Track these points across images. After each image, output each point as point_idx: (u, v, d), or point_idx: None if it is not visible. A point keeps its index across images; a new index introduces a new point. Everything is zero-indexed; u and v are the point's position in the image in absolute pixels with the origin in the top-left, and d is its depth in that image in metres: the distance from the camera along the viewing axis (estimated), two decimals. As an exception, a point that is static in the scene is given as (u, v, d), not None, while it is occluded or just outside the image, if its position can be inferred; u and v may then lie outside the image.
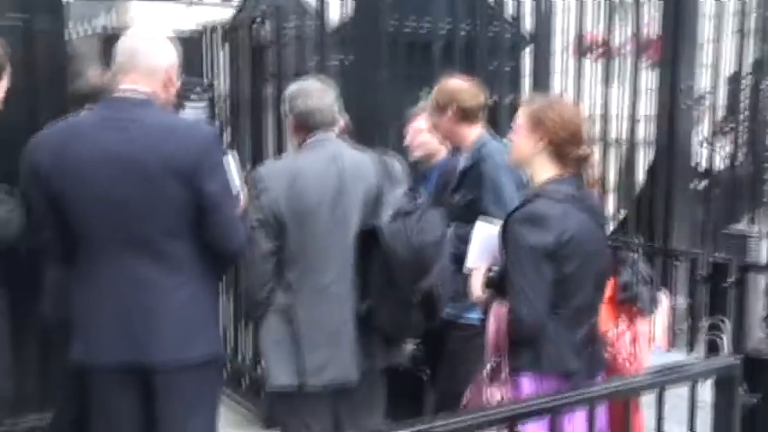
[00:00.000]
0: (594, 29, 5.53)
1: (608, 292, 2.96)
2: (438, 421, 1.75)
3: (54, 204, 2.63)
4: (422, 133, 3.84)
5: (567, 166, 2.67)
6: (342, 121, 3.53)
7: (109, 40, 5.25)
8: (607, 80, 5.39)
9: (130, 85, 2.66)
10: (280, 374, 2.99)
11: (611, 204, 5.62)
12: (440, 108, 3.46)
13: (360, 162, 3.03)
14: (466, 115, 3.43)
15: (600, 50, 5.62)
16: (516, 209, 2.64)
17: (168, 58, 2.75)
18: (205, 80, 4.92)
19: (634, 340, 3.01)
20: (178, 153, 2.58)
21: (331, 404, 3.04)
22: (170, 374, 2.66)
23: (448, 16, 4.72)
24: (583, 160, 2.66)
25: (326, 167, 2.97)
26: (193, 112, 4.01)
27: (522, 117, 2.73)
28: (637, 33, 5.55)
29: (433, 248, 2.87)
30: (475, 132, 3.46)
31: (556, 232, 2.54)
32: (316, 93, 3.07)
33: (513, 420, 1.89)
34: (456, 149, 3.63)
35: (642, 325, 3.06)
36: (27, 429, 3.65)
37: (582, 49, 5.55)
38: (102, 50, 5.41)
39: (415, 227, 2.84)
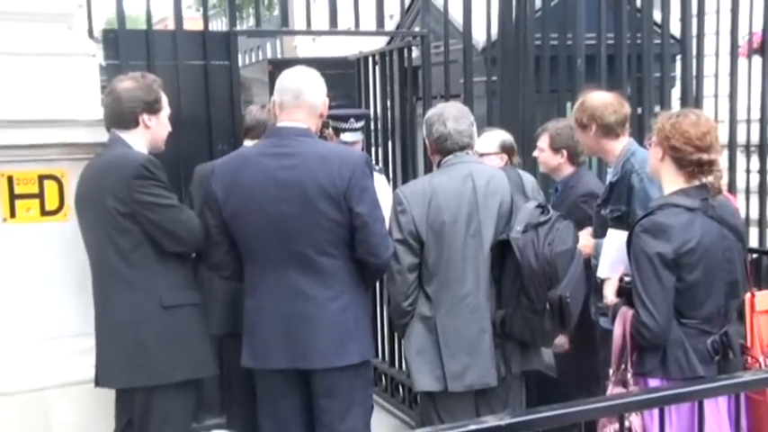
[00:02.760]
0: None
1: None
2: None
3: (227, 228, 3.00)
4: (542, 153, 4.00)
5: (692, 177, 2.74)
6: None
7: (277, 67, 5.73)
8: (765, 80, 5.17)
9: (292, 121, 3.00)
10: (423, 380, 3.21)
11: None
12: (582, 126, 3.48)
13: (493, 178, 3.21)
14: (608, 131, 3.43)
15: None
16: (641, 218, 2.73)
17: (323, 94, 3.08)
18: (362, 107, 5.27)
19: None
20: (331, 179, 2.89)
21: (473, 404, 3.22)
22: (327, 376, 2.98)
23: (592, 27, 4.75)
24: (705, 166, 2.71)
25: (461, 186, 3.16)
26: (351, 135, 4.31)
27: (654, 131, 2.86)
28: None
29: (563, 259, 2.99)
30: (620, 145, 3.46)
31: (677, 242, 2.61)
32: (451, 118, 3.25)
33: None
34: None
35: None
36: (209, 426, 4.10)
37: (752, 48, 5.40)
38: (271, 77, 5.85)
39: (545, 238, 2.99)
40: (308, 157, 2.93)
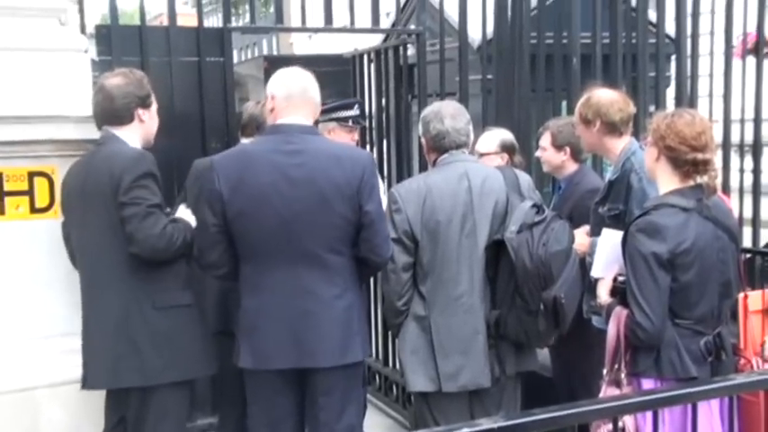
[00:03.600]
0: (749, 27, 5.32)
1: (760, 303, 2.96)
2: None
3: (228, 226, 2.90)
4: (545, 152, 3.96)
5: (688, 177, 2.72)
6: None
7: (273, 64, 5.69)
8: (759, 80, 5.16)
9: (296, 118, 2.97)
10: (417, 380, 3.19)
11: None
12: (585, 122, 3.44)
13: (488, 178, 3.19)
14: (612, 129, 3.40)
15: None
16: (636, 218, 2.72)
17: (319, 95, 3.07)
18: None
19: None
20: (345, 177, 2.88)
21: (467, 404, 3.20)
22: (330, 374, 2.95)
23: (587, 26, 4.74)
24: (701, 166, 2.70)
25: (456, 185, 3.15)
26: (358, 120, 4.25)
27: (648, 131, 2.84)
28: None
29: (558, 259, 2.98)
30: (622, 144, 3.42)
31: (672, 242, 2.60)
32: (448, 116, 3.23)
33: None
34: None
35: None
36: (202, 427, 4.08)
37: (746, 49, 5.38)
38: (266, 73, 5.82)
39: (539, 238, 2.97)
40: (317, 154, 2.91)
